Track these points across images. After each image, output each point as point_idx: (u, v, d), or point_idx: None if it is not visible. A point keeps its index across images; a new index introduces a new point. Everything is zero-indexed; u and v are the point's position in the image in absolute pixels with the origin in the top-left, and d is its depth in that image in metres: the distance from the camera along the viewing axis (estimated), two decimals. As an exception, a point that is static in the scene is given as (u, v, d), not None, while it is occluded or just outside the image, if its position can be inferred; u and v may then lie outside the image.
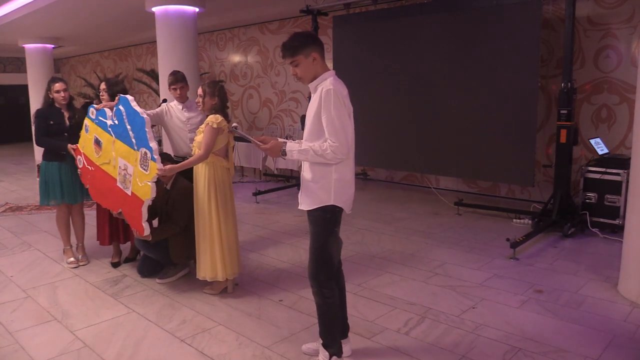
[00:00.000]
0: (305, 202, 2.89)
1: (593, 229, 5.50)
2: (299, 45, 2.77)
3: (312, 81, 2.83)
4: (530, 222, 5.81)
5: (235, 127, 3.22)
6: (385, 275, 4.45)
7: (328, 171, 2.80)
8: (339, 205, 2.84)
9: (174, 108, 4.58)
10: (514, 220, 6.06)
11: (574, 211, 5.63)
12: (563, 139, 5.54)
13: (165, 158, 4.25)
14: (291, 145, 2.81)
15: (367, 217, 6.41)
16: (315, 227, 2.86)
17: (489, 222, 6.11)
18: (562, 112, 5.52)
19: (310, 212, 2.87)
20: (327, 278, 2.87)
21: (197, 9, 7.53)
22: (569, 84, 5.45)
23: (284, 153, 2.83)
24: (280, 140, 2.91)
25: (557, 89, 5.90)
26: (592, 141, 5.80)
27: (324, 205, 2.81)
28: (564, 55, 5.50)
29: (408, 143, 6.83)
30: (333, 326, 2.94)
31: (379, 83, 7.03)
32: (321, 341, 2.97)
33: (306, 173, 2.88)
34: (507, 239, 4.94)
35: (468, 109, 6.18)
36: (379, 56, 7.00)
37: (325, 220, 2.83)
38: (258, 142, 2.88)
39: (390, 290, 4.10)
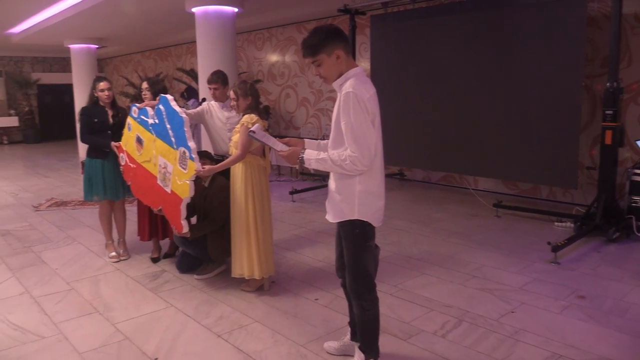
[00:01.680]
0: (330, 214, 2.77)
1: (639, 234, 5.31)
2: (320, 42, 2.54)
3: (336, 80, 2.62)
4: (572, 225, 5.66)
5: (253, 132, 2.83)
6: (421, 276, 4.40)
7: (352, 182, 2.61)
8: (365, 220, 2.65)
9: (214, 107, 4.62)
10: (556, 223, 5.90)
11: (619, 215, 5.44)
12: (608, 140, 5.36)
13: (205, 156, 4.31)
14: (309, 154, 2.63)
15: (404, 217, 6.36)
16: (346, 241, 2.73)
17: (529, 224, 5.97)
18: (607, 112, 5.34)
19: (339, 225, 2.75)
20: (367, 290, 2.76)
21: (236, 9, 7.63)
22: (615, 83, 5.27)
23: (302, 161, 2.64)
24: (306, 140, 2.83)
25: (603, 89, 5.71)
26: (639, 143, 5.60)
27: (350, 219, 2.65)
28: (610, 53, 5.33)
29: (446, 143, 6.75)
30: (372, 335, 2.87)
31: (417, 82, 6.96)
32: (357, 343, 2.94)
33: (331, 182, 2.74)
34: (548, 243, 4.82)
35: (509, 108, 6.06)
36: (417, 55, 6.93)
37: (355, 236, 2.68)
38: (277, 149, 2.74)
39: (426, 292, 4.05)
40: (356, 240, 2.69)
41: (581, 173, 6.14)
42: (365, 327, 2.85)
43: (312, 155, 2.62)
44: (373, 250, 2.80)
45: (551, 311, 3.68)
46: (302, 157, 2.64)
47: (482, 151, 6.38)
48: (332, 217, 2.76)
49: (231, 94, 3.96)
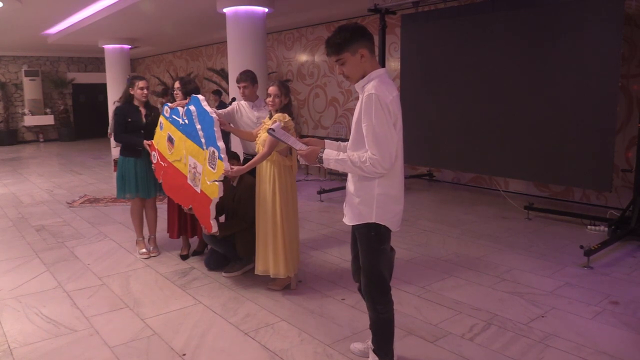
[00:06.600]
0: (348, 216, 2.73)
1: (677, 239, 5.15)
2: (345, 41, 2.49)
3: (359, 80, 2.58)
4: (606, 229, 5.51)
5: (272, 131, 2.82)
6: (450, 278, 4.36)
7: (370, 185, 2.58)
8: (382, 224, 2.61)
9: (244, 107, 4.66)
10: (589, 227, 5.77)
11: (656, 219, 5.29)
12: (645, 142, 5.22)
13: (232, 157, 4.35)
14: (328, 153, 2.60)
15: (432, 219, 6.30)
16: (362, 244, 2.69)
17: (561, 228, 5.85)
18: (644, 113, 5.20)
19: (355, 228, 2.72)
20: (381, 294, 2.73)
21: (266, 10, 7.67)
22: (653, 83, 5.13)
23: (320, 161, 2.61)
24: (327, 141, 2.78)
25: (639, 89, 5.57)
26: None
27: (367, 222, 2.61)
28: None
29: (476, 144, 6.65)
30: (387, 339, 2.84)
31: (448, 82, 6.88)
32: (371, 346, 2.92)
33: (349, 184, 2.70)
34: (581, 246, 4.71)
35: (541, 109, 5.93)
36: (448, 55, 6.85)
37: (370, 239, 2.64)
38: (297, 148, 2.71)
39: (454, 294, 4.01)
40: (371, 243, 2.65)
41: (616, 176, 5.98)
42: (379, 331, 2.83)
43: (332, 156, 2.59)
44: (388, 254, 2.77)
45: (583, 316, 3.60)
46: (321, 156, 2.61)
47: (513, 152, 6.26)
48: (349, 220, 2.73)
49: (271, 90, 3.93)
